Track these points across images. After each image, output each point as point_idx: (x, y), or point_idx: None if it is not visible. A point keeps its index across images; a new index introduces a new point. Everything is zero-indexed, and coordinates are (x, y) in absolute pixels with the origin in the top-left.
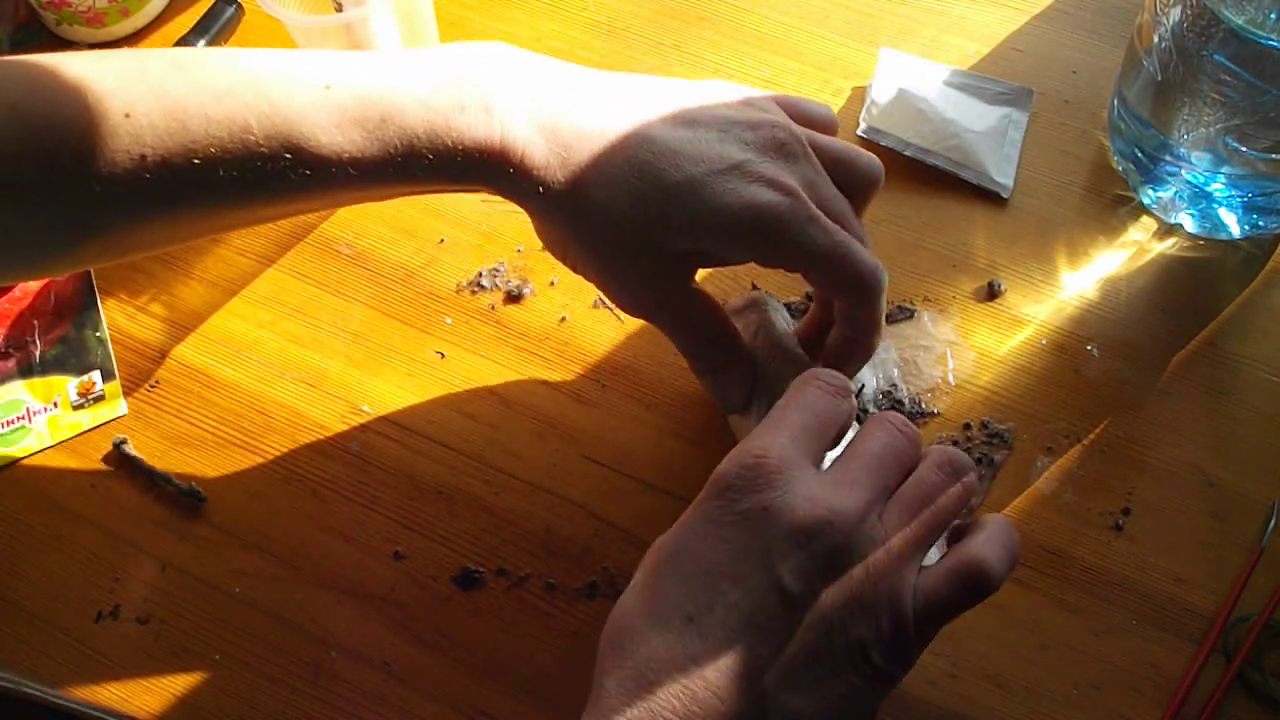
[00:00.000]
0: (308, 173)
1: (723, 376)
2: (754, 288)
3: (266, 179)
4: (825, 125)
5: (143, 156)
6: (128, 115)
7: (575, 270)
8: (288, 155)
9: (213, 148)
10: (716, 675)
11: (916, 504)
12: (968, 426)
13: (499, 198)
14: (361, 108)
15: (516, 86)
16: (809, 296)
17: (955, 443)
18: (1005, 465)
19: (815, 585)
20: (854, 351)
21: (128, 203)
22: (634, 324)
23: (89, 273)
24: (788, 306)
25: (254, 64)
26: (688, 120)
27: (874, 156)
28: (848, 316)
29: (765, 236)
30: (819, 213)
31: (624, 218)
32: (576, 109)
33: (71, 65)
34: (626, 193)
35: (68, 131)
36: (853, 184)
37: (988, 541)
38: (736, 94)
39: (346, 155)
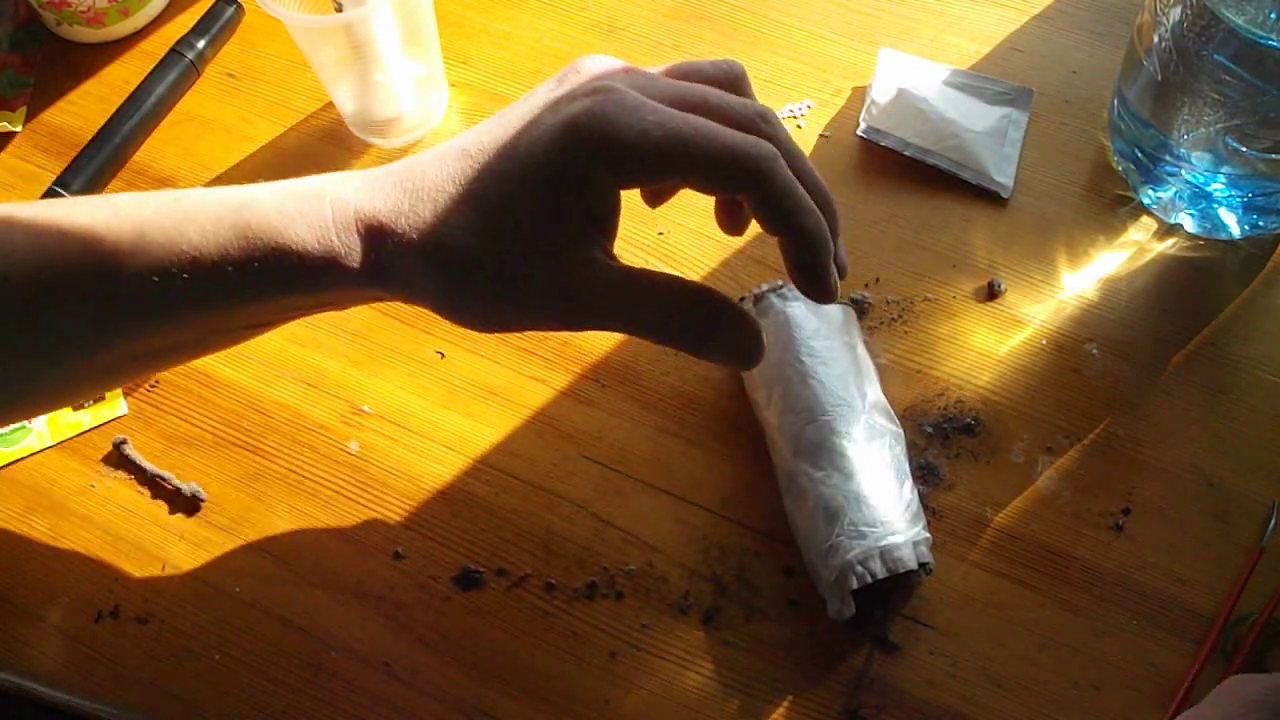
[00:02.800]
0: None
1: (711, 346)
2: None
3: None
4: (716, 76)
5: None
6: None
7: (493, 324)
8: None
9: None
10: None
11: None
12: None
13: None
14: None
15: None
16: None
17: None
18: (1000, 463)
19: None
20: (811, 263)
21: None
22: None
23: None
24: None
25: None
26: (495, 122)
27: (721, 61)
28: (766, 219)
29: (594, 149)
30: (649, 101)
31: (485, 224)
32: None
33: None
34: (469, 204)
35: None
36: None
37: None
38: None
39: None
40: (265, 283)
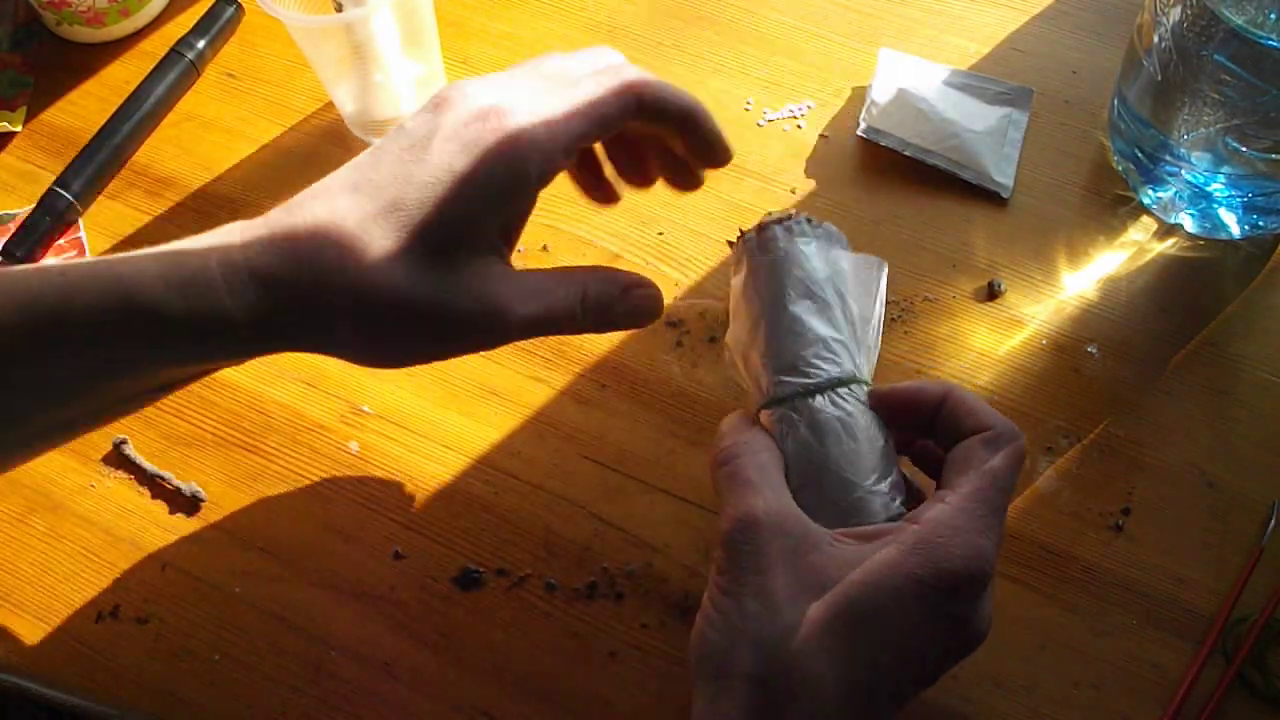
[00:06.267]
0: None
1: (616, 318)
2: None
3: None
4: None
5: None
6: None
7: (409, 359)
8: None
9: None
10: None
11: None
12: None
13: None
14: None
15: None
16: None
17: None
18: None
19: None
20: (709, 130)
21: None
22: None
23: None
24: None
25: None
26: (371, 159)
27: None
28: (657, 118)
29: (510, 161)
30: (540, 110)
31: (402, 259)
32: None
33: None
34: (375, 243)
35: None
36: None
37: None
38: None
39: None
40: (152, 354)
